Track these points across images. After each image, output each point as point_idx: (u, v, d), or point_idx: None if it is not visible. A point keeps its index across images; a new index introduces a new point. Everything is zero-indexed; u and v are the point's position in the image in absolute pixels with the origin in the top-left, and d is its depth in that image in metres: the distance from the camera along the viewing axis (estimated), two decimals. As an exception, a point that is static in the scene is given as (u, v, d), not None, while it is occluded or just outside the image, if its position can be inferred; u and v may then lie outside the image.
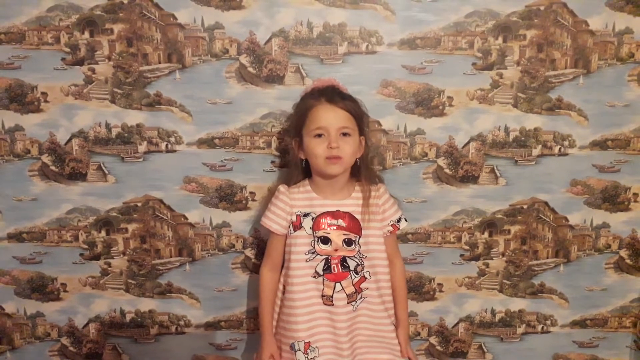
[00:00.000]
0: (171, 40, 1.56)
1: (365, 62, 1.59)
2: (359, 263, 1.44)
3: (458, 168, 1.68)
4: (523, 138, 1.67)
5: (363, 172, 1.47)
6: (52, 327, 1.75)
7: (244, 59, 1.58)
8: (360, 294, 1.44)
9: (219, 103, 1.60)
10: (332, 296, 1.42)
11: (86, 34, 1.55)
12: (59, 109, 1.60)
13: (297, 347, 1.42)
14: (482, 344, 1.82)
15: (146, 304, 1.74)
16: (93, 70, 1.58)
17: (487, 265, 1.76)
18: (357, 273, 1.44)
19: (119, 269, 1.71)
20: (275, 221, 1.46)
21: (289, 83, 1.59)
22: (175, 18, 1.55)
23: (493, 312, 1.79)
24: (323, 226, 1.43)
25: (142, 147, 1.63)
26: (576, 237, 1.75)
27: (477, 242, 1.73)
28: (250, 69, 1.59)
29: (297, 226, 1.44)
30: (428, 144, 1.66)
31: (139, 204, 1.66)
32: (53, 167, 1.64)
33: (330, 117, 1.38)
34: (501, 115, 1.65)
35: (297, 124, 1.45)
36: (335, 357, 1.43)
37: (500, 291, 1.78)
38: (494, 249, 1.74)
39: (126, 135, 1.62)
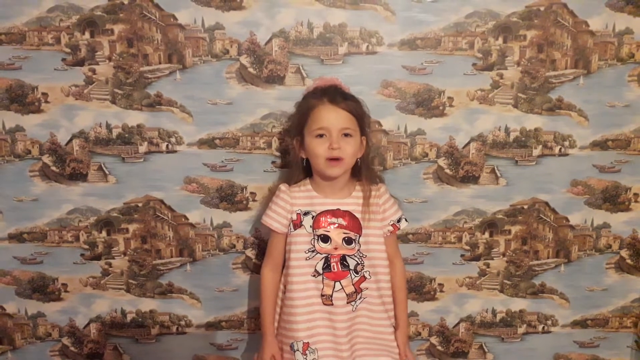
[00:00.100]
0: (172, 41, 1.56)
1: (365, 62, 1.59)
2: (359, 262, 1.44)
3: (458, 168, 1.68)
4: (523, 138, 1.66)
5: (364, 172, 1.47)
6: (53, 327, 1.75)
7: (245, 60, 1.58)
8: (360, 294, 1.44)
9: (219, 103, 1.60)
10: (331, 295, 1.42)
11: (87, 35, 1.56)
12: (60, 110, 1.60)
13: (296, 348, 1.42)
14: (483, 344, 1.82)
15: (147, 304, 1.74)
16: (93, 71, 1.58)
17: (488, 266, 1.75)
18: (356, 272, 1.44)
19: (119, 269, 1.71)
20: (276, 219, 1.46)
21: (290, 83, 1.60)
22: (175, 19, 1.55)
23: (494, 312, 1.79)
24: (323, 224, 1.43)
25: (143, 148, 1.63)
26: (577, 237, 1.75)
27: (477, 242, 1.73)
28: (251, 70, 1.59)
29: (297, 224, 1.44)
30: (428, 144, 1.66)
31: (140, 205, 1.66)
32: (54, 168, 1.64)
33: (332, 118, 1.38)
34: (501, 116, 1.65)
35: (298, 123, 1.45)
36: (334, 359, 1.42)
37: (501, 291, 1.78)
38: (495, 249, 1.74)
39: (127, 135, 1.62)
